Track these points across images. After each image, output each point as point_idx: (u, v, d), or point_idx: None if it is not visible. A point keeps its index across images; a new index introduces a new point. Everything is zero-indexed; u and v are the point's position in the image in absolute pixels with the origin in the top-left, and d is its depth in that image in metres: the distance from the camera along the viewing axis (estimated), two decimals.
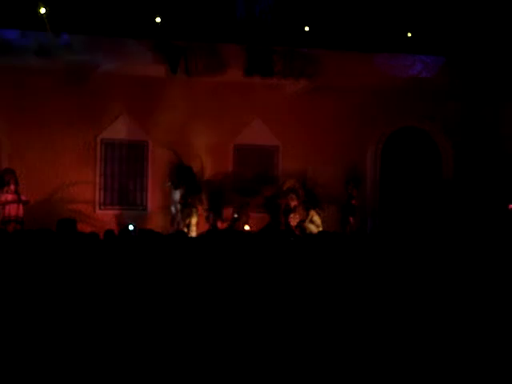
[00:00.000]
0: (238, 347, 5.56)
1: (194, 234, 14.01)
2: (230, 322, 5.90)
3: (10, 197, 13.69)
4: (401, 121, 16.23)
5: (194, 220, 14.38)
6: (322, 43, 14.60)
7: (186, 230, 13.88)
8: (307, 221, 14.58)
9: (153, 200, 15.18)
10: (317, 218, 14.63)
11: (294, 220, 14.50)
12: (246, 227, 14.33)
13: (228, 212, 14.81)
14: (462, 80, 15.11)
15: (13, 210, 13.62)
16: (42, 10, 13.34)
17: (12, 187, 13.72)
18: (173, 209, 14.42)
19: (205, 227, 14.27)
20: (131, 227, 13.75)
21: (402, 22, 14.75)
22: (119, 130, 15.14)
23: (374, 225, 15.73)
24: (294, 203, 14.61)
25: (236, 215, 14.52)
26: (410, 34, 14.82)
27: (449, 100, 15.84)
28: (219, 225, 14.43)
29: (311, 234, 13.73)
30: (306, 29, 14.51)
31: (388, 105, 15.83)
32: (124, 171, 15.28)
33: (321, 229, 14.20)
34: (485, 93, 15.61)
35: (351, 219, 15.16)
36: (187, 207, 14.33)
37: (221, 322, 5.89)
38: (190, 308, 6.09)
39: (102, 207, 15.16)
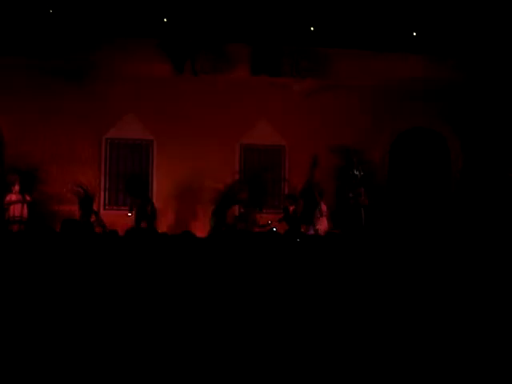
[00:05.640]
0: (244, 347, 5.49)
1: None
2: (234, 321, 5.85)
3: (14, 197, 13.65)
4: (410, 121, 16.09)
5: None
6: (329, 42, 14.52)
7: None
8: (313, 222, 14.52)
9: (158, 199, 15.07)
10: (322, 220, 14.54)
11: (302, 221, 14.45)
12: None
13: (232, 213, 14.74)
14: (472, 79, 15.00)
15: (17, 210, 13.57)
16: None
17: (17, 187, 13.67)
18: None
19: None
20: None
21: (411, 21, 14.61)
22: (124, 129, 15.08)
23: (381, 225, 15.57)
24: (292, 208, 14.53)
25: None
26: (415, 34, 14.68)
27: (459, 100, 15.73)
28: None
29: (317, 235, 13.66)
30: (312, 29, 14.41)
31: (397, 104, 15.70)
32: (129, 171, 15.20)
33: (327, 229, 14.13)
34: (496, 92, 15.48)
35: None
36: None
37: (225, 321, 5.84)
38: (195, 308, 6.03)
39: (107, 207, 15.09)
